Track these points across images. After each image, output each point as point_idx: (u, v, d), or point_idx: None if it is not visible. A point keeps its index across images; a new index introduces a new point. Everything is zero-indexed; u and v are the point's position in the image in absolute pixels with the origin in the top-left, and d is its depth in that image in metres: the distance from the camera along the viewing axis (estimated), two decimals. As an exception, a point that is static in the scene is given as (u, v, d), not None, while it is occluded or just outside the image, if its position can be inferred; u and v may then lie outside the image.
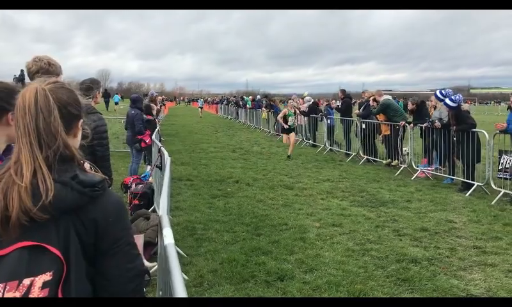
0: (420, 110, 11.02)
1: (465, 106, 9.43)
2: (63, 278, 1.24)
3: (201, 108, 43.86)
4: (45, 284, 1.21)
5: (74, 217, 1.30)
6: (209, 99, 72.47)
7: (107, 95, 40.24)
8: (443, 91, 9.29)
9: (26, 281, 1.20)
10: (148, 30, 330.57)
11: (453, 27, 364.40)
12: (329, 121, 15.12)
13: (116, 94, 52.75)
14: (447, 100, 8.98)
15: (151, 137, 8.95)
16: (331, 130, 15.20)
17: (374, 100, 12.15)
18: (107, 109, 35.69)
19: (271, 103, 22.79)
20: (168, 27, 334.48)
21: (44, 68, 3.16)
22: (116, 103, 44.37)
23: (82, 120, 1.47)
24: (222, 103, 44.88)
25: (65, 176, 1.30)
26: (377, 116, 12.08)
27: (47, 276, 1.21)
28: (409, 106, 11.40)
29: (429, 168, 10.32)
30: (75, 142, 1.46)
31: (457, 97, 8.87)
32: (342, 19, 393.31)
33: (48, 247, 1.24)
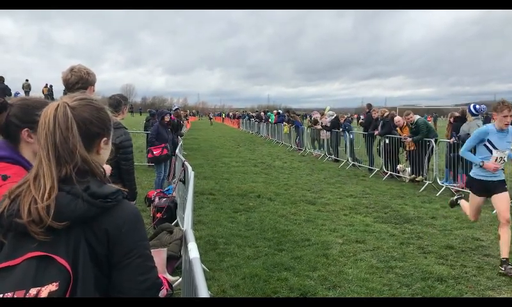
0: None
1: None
2: (70, 288, 1.25)
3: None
4: (50, 294, 1.22)
5: (87, 227, 1.32)
6: (230, 113, 73.03)
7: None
8: (477, 106, 9.22)
9: (33, 291, 1.22)
10: (179, 45, 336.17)
11: (485, 42, 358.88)
12: (351, 136, 15.04)
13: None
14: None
15: (165, 150, 9.00)
16: (352, 144, 15.10)
17: (407, 124, 11.81)
18: None
19: (290, 118, 22.69)
20: (198, 42, 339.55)
21: (84, 78, 3.15)
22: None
23: (105, 138, 1.47)
24: (244, 118, 45.07)
25: (77, 188, 1.32)
26: (401, 131, 11.96)
27: (53, 286, 1.23)
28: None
29: (454, 184, 10.11)
30: (99, 158, 1.46)
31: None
32: (375, 34, 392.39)
33: (55, 257, 1.26)
